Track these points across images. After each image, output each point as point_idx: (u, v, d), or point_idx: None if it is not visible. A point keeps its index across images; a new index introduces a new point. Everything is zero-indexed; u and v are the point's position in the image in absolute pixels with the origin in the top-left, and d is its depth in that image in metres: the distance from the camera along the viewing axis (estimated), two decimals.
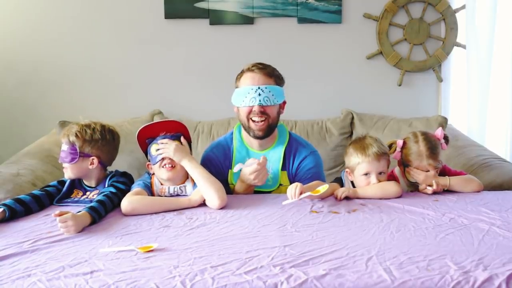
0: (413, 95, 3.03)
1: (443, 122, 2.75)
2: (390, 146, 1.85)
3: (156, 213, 1.58)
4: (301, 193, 1.58)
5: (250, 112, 1.77)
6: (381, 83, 2.99)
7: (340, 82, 2.97)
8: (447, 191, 1.80)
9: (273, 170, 1.83)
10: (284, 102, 1.88)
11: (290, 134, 1.92)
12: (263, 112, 1.76)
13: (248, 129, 1.81)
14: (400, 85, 3.00)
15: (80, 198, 1.71)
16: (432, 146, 1.79)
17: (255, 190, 1.83)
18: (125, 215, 1.57)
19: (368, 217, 1.52)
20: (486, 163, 2.32)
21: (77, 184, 1.76)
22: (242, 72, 1.82)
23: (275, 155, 1.85)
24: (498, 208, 1.60)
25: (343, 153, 1.89)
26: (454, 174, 1.87)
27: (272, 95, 1.78)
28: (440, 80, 3.00)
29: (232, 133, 1.93)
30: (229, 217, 1.53)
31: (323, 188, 1.61)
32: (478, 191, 1.81)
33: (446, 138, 1.84)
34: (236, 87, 1.83)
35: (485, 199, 1.73)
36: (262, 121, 1.77)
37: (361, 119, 2.80)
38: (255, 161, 1.71)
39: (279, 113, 1.85)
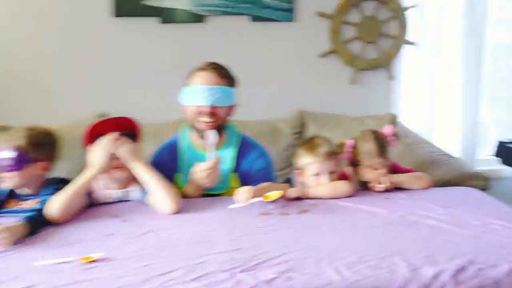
0: (365, 93, 3.05)
1: (393, 120, 2.77)
2: (340, 146, 1.87)
3: (95, 219, 1.54)
4: (252, 197, 1.58)
5: (199, 112, 1.75)
6: (334, 82, 3.01)
7: (293, 81, 2.96)
8: (398, 188, 1.81)
9: (224, 172, 1.81)
10: (235, 106, 1.86)
11: (241, 135, 1.91)
12: (213, 113, 1.75)
13: (196, 129, 1.79)
14: (352, 84, 3.02)
15: (17, 207, 1.65)
16: (381, 144, 1.81)
17: (205, 193, 1.80)
18: (60, 222, 1.51)
19: (319, 218, 1.53)
20: (435, 159, 2.36)
21: (13, 193, 1.69)
22: (195, 70, 1.79)
23: (226, 157, 1.83)
24: (446, 204, 1.64)
25: (294, 154, 1.88)
26: (405, 171, 1.89)
27: (224, 96, 1.77)
28: (391, 77, 3.03)
29: (180, 135, 1.90)
30: (177, 222, 1.50)
31: (275, 195, 1.59)
32: (428, 188, 1.84)
33: (395, 135, 1.87)
34: (187, 85, 1.79)
35: (434, 195, 1.75)
36: (211, 122, 1.75)
37: (313, 119, 2.81)
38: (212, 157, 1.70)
39: (228, 115, 1.84)
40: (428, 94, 2.99)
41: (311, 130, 2.74)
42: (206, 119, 1.75)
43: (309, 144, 1.80)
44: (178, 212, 1.58)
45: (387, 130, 1.87)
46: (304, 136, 2.67)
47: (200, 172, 1.70)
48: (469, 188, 1.90)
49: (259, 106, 2.89)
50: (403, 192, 1.79)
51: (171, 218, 1.55)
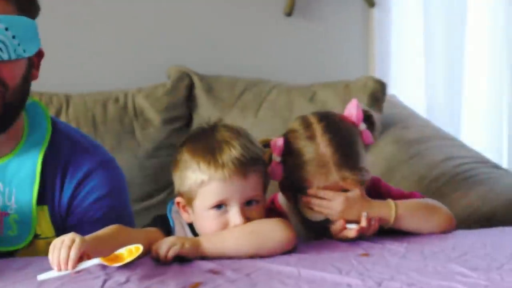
0: (316, 35, 3.11)
1: (378, 90, 2.74)
2: (264, 146, 1.85)
3: None
4: (81, 258, 1.48)
5: None
6: (251, 13, 3.08)
7: (166, 20, 3.01)
8: (388, 231, 1.79)
9: (19, 203, 1.76)
10: (40, 54, 1.79)
11: (55, 124, 1.86)
12: None
13: None
14: (289, 15, 3.04)
15: None
16: (344, 141, 1.77)
17: None
18: None
19: None
20: (463, 173, 2.36)
21: None
22: None
23: (23, 172, 1.78)
24: (486, 264, 1.56)
25: (170, 165, 1.82)
26: (399, 197, 1.87)
27: (12, 37, 1.67)
28: (371, 4, 3.08)
29: None
30: None
31: (130, 253, 1.53)
32: (447, 229, 1.83)
33: (368, 119, 1.83)
34: None
35: (461, 246, 1.71)
36: None
37: (208, 87, 2.83)
38: None
39: (27, 78, 1.75)
40: (448, 47, 3.18)
41: (204, 113, 2.78)
42: None
43: (204, 143, 1.73)
44: None
45: (352, 110, 1.82)
46: (192, 127, 2.74)
47: None
48: None
49: (98, 66, 2.95)
50: (397, 241, 1.75)
51: None
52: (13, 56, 1.67)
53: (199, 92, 2.83)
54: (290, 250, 1.66)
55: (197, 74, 2.86)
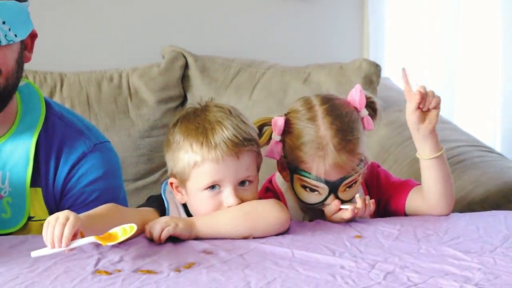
0: (311, 17, 3.11)
1: (372, 73, 2.74)
2: (260, 128, 1.84)
3: None
4: (75, 236, 1.47)
5: None
6: None
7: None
8: (382, 214, 1.83)
9: (13, 186, 1.77)
10: (33, 35, 1.78)
11: (49, 106, 1.86)
12: None
13: None
14: None
15: None
16: (344, 125, 1.76)
17: None
18: None
19: (219, 279, 1.43)
20: (457, 156, 2.36)
21: None
22: None
23: (16, 154, 1.78)
24: (479, 247, 1.58)
25: (164, 145, 1.83)
26: (398, 183, 1.90)
27: (3, 22, 1.67)
28: None
29: None
30: None
31: (124, 231, 1.53)
32: (444, 213, 1.84)
33: (371, 105, 1.84)
34: None
35: (454, 229, 1.73)
36: None
37: (202, 68, 2.83)
38: None
39: (20, 62, 1.75)
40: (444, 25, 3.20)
41: (198, 93, 2.76)
42: None
43: (196, 123, 1.73)
44: None
45: (355, 96, 1.82)
46: (184, 107, 2.73)
47: None
48: None
49: (93, 47, 2.95)
50: (390, 222, 1.77)
51: None
52: (4, 42, 1.66)
53: (193, 72, 2.83)
54: (283, 231, 1.67)
55: (192, 55, 2.86)
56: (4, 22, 1.66)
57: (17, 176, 1.77)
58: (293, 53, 3.07)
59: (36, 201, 1.78)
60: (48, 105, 1.86)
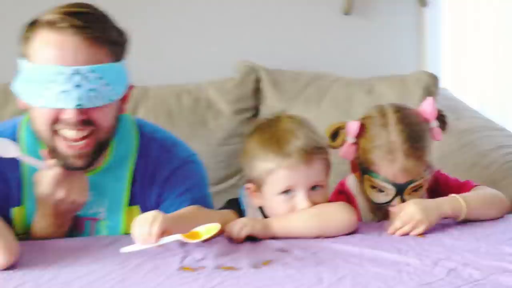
0: (372, 32, 3.12)
1: (431, 84, 2.73)
2: (334, 134, 1.84)
3: None
4: (162, 234, 1.50)
5: (56, 118, 1.65)
6: (312, 12, 3.07)
7: (234, 18, 3.04)
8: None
9: (110, 210, 1.79)
10: (130, 88, 1.78)
11: (140, 129, 1.86)
12: (86, 121, 1.65)
13: (53, 149, 1.70)
14: (347, 14, 3.04)
15: None
16: (414, 133, 1.78)
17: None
18: None
19: (295, 275, 1.45)
20: None
21: None
22: (35, 27, 1.65)
23: (114, 181, 1.79)
24: None
25: (240, 153, 1.87)
26: (457, 185, 1.88)
27: (106, 84, 1.65)
28: (424, 4, 3.07)
29: (15, 127, 1.82)
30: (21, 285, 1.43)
31: (208, 230, 1.55)
32: (503, 215, 1.83)
33: (441, 118, 1.85)
34: (24, 61, 1.67)
35: (511, 229, 1.73)
36: (84, 137, 1.66)
37: (274, 81, 2.83)
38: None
39: (118, 115, 1.76)
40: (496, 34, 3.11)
41: (271, 104, 2.78)
42: (72, 133, 1.66)
43: (270, 133, 1.76)
44: (14, 266, 1.53)
45: (426, 107, 1.84)
46: (259, 117, 2.72)
47: (44, 181, 1.67)
48: None
49: (171, 65, 2.96)
50: (449, 223, 1.78)
51: (9, 275, 1.49)
52: (106, 102, 1.67)
53: (265, 85, 2.84)
54: (351, 232, 1.70)
55: (264, 69, 2.88)
56: (107, 84, 1.67)
57: (115, 201, 1.80)
58: (357, 66, 3.05)
59: (132, 217, 1.75)
60: (139, 127, 1.88)
